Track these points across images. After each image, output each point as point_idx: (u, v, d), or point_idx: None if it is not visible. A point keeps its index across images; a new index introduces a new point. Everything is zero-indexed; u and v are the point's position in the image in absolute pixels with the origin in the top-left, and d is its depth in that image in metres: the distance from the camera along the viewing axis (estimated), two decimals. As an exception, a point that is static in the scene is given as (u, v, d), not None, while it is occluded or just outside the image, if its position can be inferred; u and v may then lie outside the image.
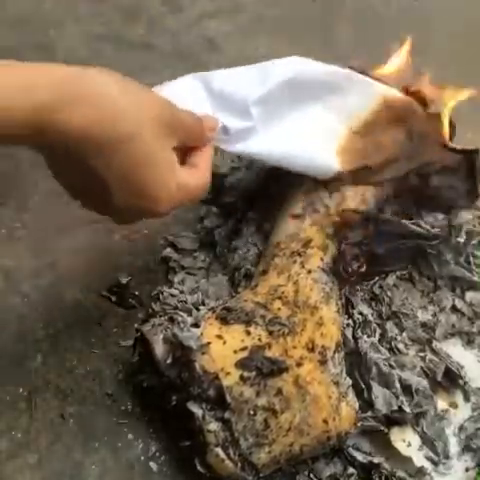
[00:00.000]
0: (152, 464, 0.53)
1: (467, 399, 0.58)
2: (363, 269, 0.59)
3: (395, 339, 0.59)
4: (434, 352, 0.59)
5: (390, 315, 0.61)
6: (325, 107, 0.58)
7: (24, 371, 0.57)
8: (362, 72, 0.62)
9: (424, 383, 0.56)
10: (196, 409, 0.47)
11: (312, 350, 0.50)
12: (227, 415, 0.46)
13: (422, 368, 0.58)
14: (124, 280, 0.64)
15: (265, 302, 0.52)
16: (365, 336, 0.58)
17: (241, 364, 0.48)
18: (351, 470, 0.53)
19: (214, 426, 0.47)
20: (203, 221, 0.69)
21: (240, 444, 0.47)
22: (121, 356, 0.58)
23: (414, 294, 0.64)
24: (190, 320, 0.51)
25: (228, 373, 0.47)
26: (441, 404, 0.57)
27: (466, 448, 0.55)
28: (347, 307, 0.60)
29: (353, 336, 0.57)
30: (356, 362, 0.56)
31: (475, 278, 0.64)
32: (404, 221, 0.60)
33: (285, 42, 0.94)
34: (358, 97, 0.60)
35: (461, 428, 0.56)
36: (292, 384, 0.48)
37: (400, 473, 0.52)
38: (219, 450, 0.46)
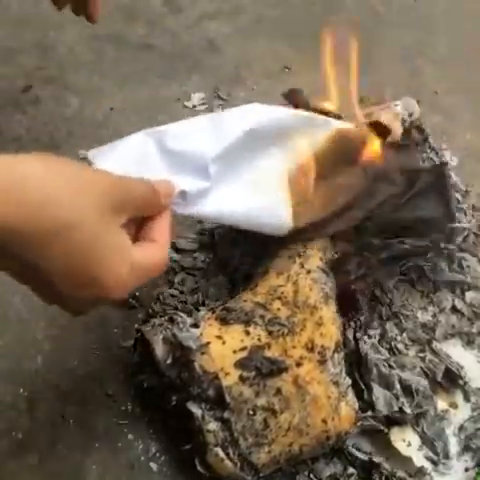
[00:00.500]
0: (152, 464, 0.53)
1: (467, 399, 0.58)
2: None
3: (395, 340, 0.60)
4: (434, 352, 0.59)
5: (390, 316, 0.61)
6: (281, 155, 0.55)
7: (24, 371, 0.57)
8: (306, 106, 0.59)
9: (424, 383, 0.56)
10: (196, 409, 0.47)
11: (311, 350, 0.50)
12: (226, 415, 0.47)
13: (422, 368, 0.58)
14: (124, 280, 0.63)
15: (264, 302, 0.52)
16: (365, 337, 0.58)
17: (240, 364, 0.48)
18: (351, 470, 0.53)
19: (213, 426, 0.47)
20: (203, 222, 0.69)
21: (239, 444, 0.47)
22: (121, 356, 0.58)
23: (414, 295, 0.64)
24: (190, 320, 0.51)
25: (227, 373, 0.47)
26: (441, 404, 0.57)
27: (466, 448, 0.55)
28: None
29: (354, 337, 0.57)
30: (356, 363, 0.56)
31: (469, 280, 0.65)
32: (396, 242, 0.60)
33: (285, 42, 0.94)
34: (315, 138, 0.56)
35: (461, 428, 0.56)
36: (291, 384, 0.48)
37: (400, 473, 0.52)
38: (219, 450, 0.46)
